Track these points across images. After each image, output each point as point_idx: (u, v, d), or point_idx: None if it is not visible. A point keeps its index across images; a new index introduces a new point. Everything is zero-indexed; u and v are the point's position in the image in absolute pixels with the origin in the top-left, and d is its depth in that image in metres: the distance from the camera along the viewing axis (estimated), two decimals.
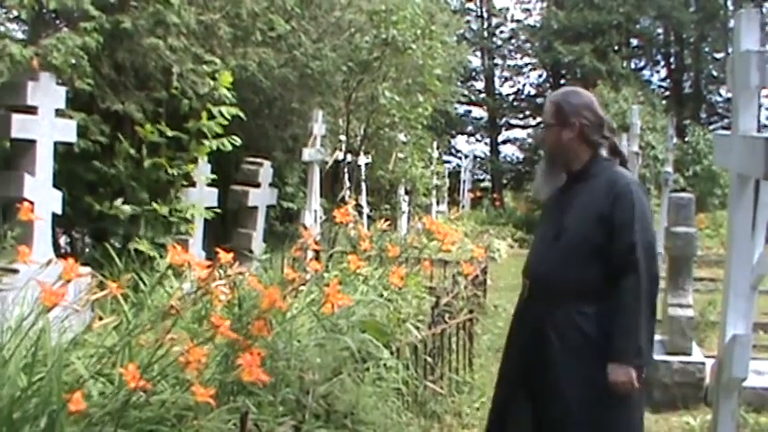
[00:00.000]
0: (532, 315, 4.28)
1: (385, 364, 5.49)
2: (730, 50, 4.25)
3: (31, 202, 5.45)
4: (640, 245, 4.00)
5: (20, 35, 8.03)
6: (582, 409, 4.04)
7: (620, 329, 3.96)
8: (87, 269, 5.46)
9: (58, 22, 8.27)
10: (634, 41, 38.62)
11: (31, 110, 5.85)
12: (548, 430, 4.18)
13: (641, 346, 3.98)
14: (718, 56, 35.65)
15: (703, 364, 7.44)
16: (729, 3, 35.00)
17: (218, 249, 4.30)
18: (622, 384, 3.94)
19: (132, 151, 7.81)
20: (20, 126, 5.75)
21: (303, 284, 4.90)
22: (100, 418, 3.52)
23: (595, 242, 4.08)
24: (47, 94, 5.93)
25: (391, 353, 5.64)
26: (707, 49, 37.22)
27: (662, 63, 39.67)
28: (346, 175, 12.70)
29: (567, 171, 4.36)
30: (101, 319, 4.53)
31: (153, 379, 3.60)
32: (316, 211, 10.92)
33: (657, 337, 8.09)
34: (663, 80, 39.34)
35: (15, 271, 5.32)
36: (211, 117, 7.65)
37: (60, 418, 3.37)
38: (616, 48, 36.14)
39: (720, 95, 36.95)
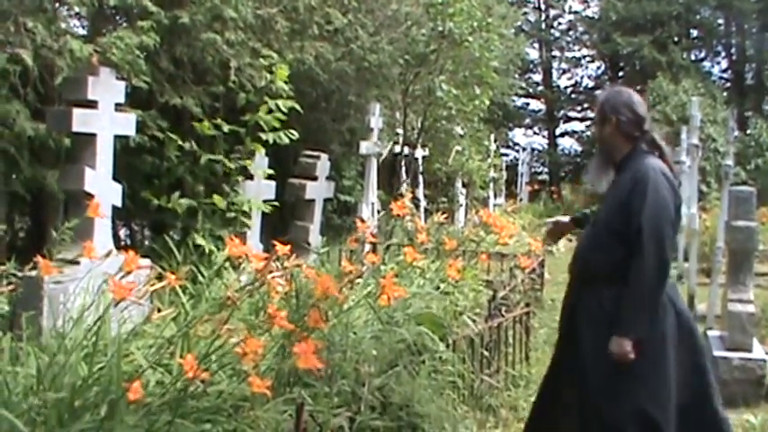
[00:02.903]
0: (569, 297, 4.72)
1: (441, 357, 5.49)
2: None
3: (92, 195, 5.52)
4: (648, 229, 4.22)
5: (81, 31, 8.16)
6: (597, 379, 4.35)
7: (626, 306, 4.26)
8: (147, 261, 5.52)
9: (117, 17, 8.39)
10: (694, 32, 38.09)
11: (92, 104, 5.91)
12: (567, 399, 4.55)
13: (638, 321, 4.26)
14: None
15: (764, 360, 7.31)
16: None
17: (275, 242, 4.33)
18: (617, 355, 4.23)
19: (189, 145, 7.88)
20: (81, 120, 5.82)
21: (359, 277, 4.92)
22: (158, 408, 3.57)
23: (615, 227, 4.39)
24: (107, 88, 6.00)
25: (447, 346, 5.64)
26: None
27: (723, 54, 38.98)
28: (403, 168, 12.70)
29: (612, 163, 4.65)
30: (159, 310, 4.60)
31: (210, 369, 3.64)
32: (373, 203, 10.95)
33: (716, 333, 8.02)
34: (724, 71, 38.70)
35: (77, 262, 5.39)
36: (269, 111, 7.69)
37: (120, 407, 3.42)
38: (675, 39, 35.70)
39: None
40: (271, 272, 3.80)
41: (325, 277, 3.99)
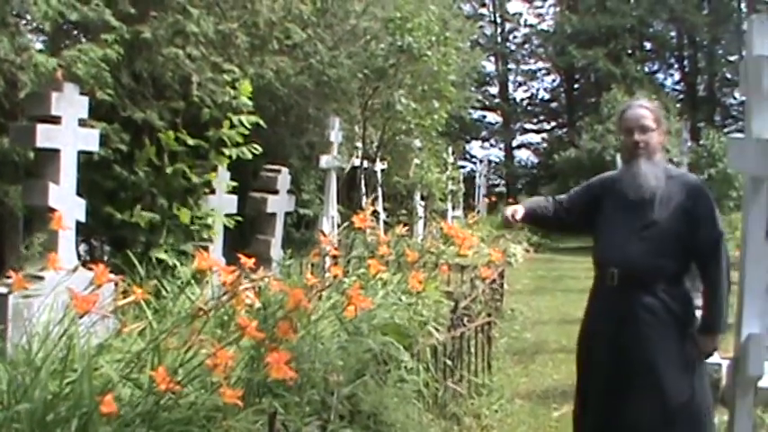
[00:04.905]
0: (621, 299, 4.72)
1: (406, 367, 5.56)
2: (744, 53, 4.33)
3: (56, 211, 5.53)
4: (722, 236, 4.61)
5: (38, 46, 8.14)
6: (671, 376, 4.57)
7: (713, 308, 4.59)
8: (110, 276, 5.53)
9: (76, 33, 8.38)
10: (647, 45, 38.69)
11: (55, 120, 5.92)
12: (638, 400, 4.62)
13: (723, 319, 4.63)
14: (732, 58, 35.54)
15: (720, 365, 7.45)
16: (743, 5, 34.94)
17: (239, 255, 4.37)
18: (711, 351, 4.68)
19: (154, 159, 7.89)
20: (44, 136, 5.82)
21: (325, 289, 4.98)
22: (131, 420, 3.60)
23: (680, 234, 4.62)
24: (71, 104, 6.01)
25: (412, 355, 5.71)
26: (720, 52, 37.16)
27: (676, 66, 39.64)
28: (363, 182, 12.76)
29: None
30: (124, 325, 4.61)
31: (181, 381, 3.68)
32: (333, 217, 11.01)
33: None
34: (677, 83, 39.37)
35: (41, 278, 5.39)
36: (231, 126, 7.73)
37: (94, 419, 3.45)
38: (630, 51, 36.21)
39: (735, 98, 36.81)
40: (240, 284, 3.84)
41: (297, 290, 4.05)
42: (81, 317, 3.66)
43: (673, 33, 38.49)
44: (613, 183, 4.97)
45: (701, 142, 27.36)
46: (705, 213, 4.62)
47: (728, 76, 36.55)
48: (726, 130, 34.00)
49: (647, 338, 4.62)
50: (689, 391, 4.59)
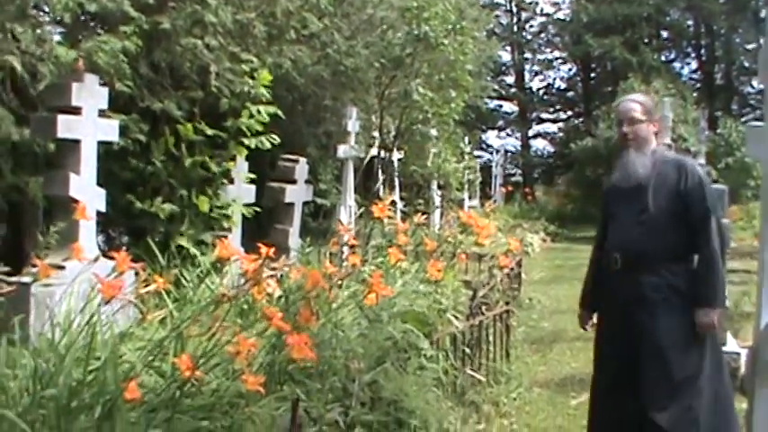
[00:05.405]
0: (628, 282, 4.95)
1: (425, 354, 5.58)
2: (762, 41, 4.33)
3: (77, 201, 5.57)
4: (711, 213, 4.77)
5: (56, 38, 8.17)
6: (675, 351, 4.77)
7: (704, 282, 4.75)
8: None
9: (93, 24, 8.41)
10: (664, 33, 38.40)
11: (76, 110, 5.95)
12: (645, 373, 4.83)
13: (719, 293, 4.80)
14: (750, 47, 35.28)
15: (738, 354, 7.45)
16: None
17: (257, 245, 4.40)
18: (707, 325, 4.73)
19: (172, 149, 7.92)
20: (65, 126, 5.86)
21: (345, 277, 5.00)
22: (154, 406, 3.64)
23: (674, 213, 4.84)
24: (91, 94, 6.04)
25: (431, 343, 5.73)
26: (738, 40, 36.84)
27: (693, 55, 39.33)
28: (380, 171, 12.75)
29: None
30: (142, 313, 4.65)
31: (204, 368, 3.71)
32: (350, 206, 11.01)
33: None
34: (694, 72, 39.05)
35: (62, 267, 5.42)
36: (250, 116, 7.76)
37: (118, 405, 3.48)
38: (646, 40, 35.97)
39: (752, 87, 36.54)
40: (263, 272, 3.86)
41: (315, 272, 4.07)
42: (106, 303, 3.69)
43: (690, 22, 38.21)
44: (611, 178, 5.31)
45: (719, 131, 27.22)
46: (693, 190, 4.81)
47: (746, 64, 36.27)
48: (743, 118, 33.80)
49: (651, 316, 4.83)
50: (695, 365, 4.77)
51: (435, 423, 5.15)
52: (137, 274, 4.63)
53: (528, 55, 41.61)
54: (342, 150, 10.85)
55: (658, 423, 4.74)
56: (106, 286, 3.59)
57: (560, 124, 41.44)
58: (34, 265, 4.55)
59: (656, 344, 4.80)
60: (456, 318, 6.44)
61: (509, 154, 39.37)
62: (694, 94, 31.40)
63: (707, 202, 4.78)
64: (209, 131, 7.82)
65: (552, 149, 40.73)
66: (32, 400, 3.67)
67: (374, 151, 12.44)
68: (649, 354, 4.82)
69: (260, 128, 7.84)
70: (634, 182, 4.97)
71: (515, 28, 40.63)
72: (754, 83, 35.40)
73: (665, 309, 4.81)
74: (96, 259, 4.82)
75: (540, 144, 41.96)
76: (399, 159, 14.34)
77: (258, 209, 8.33)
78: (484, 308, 7.05)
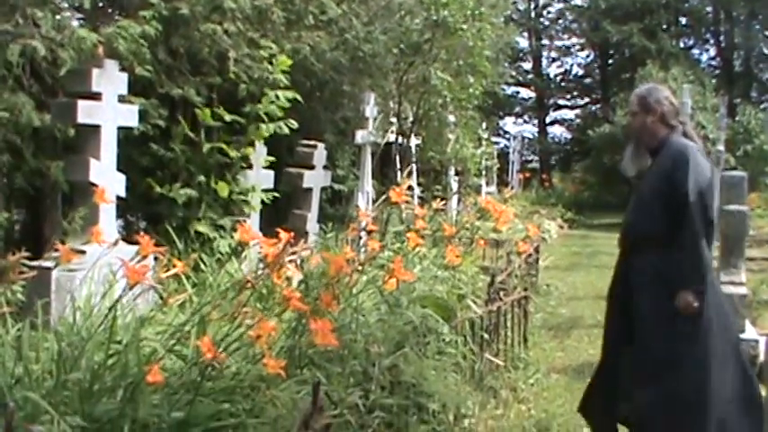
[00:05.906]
0: (622, 266, 5.18)
1: (444, 339, 5.60)
2: None
3: (97, 186, 5.60)
4: (693, 196, 4.73)
5: (74, 24, 8.20)
6: (658, 334, 4.84)
7: (681, 264, 4.76)
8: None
9: (111, 10, 8.43)
10: (683, 20, 38.09)
11: (96, 96, 5.98)
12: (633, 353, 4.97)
13: (695, 274, 4.74)
14: None
15: (757, 341, 7.43)
16: None
17: (276, 230, 4.42)
18: (684, 306, 4.69)
19: (190, 134, 7.94)
20: (85, 112, 5.90)
21: (365, 262, 5.02)
22: (176, 389, 3.67)
23: (661, 197, 4.90)
24: (111, 80, 6.08)
25: (450, 328, 5.75)
26: (757, 27, 36.56)
27: (711, 41, 39.03)
28: (397, 157, 12.74)
29: (649, 149, 5.19)
30: (162, 298, 4.68)
31: (225, 351, 3.73)
32: (368, 192, 11.02)
33: None
34: (712, 59, 38.76)
35: (83, 252, 5.46)
36: (270, 101, 7.78)
37: (141, 388, 3.51)
38: (665, 26, 35.71)
39: None
40: (284, 257, 3.88)
41: (338, 257, 4.09)
42: (131, 288, 3.71)
43: (709, 8, 37.86)
44: None
45: (737, 118, 27.08)
46: (678, 173, 4.83)
47: (765, 51, 36.07)
48: (762, 106, 33.61)
49: (639, 301, 4.95)
50: (678, 349, 4.77)
51: (454, 407, 5.19)
52: (156, 258, 4.66)
53: (545, 41, 41.48)
54: (359, 136, 10.85)
55: (639, 405, 4.85)
56: (131, 271, 3.61)
57: (578, 111, 41.26)
58: (56, 250, 4.58)
59: (640, 326, 4.91)
60: (474, 303, 6.45)
61: (526, 140, 39.27)
62: (713, 81, 31.19)
63: (689, 186, 4.75)
64: (228, 117, 7.84)
65: (569, 136, 40.57)
66: (56, 382, 3.71)
67: (392, 137, 12.43)
68: (636, 336, 4.94)
69: (280, 113, 7.86)
70: (626, 172, 5.29)
71: (533, 14, 40.45)
72: None
73: (651, 291, 4.90)
74: (116, 243, 4.85)
75: (557, 131, 41.84)
76: (417, 145, 14.33)
77: (276, 194, 8.34)
78: (502, 293, 7.06)
